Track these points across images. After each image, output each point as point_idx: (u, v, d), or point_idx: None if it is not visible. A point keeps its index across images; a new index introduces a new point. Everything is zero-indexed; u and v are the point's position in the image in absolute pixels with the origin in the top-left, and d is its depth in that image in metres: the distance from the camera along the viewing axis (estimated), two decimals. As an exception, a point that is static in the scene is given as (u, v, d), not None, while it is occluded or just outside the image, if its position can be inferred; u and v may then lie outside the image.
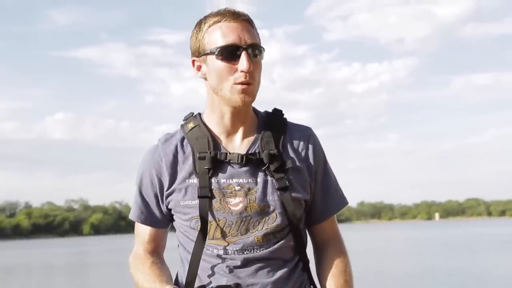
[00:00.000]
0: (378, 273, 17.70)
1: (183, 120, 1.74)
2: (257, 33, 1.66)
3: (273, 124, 1.70)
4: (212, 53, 1.60)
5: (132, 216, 1.75)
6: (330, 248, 1.73)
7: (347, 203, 1.77)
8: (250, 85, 1.59)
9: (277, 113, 1.73)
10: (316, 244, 1.77)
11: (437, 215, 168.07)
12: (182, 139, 1.69)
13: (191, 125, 1.70)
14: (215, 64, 1.61)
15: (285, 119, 1.73)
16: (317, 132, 1.77)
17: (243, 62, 1.57)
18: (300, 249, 1.68)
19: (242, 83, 1.58)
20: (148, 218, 1.73)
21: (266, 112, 1.75)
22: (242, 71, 1.58)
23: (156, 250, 1.76)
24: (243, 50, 1.58)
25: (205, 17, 1.65)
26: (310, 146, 1.70)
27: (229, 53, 1.58)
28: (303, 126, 1.75)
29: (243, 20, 1.61)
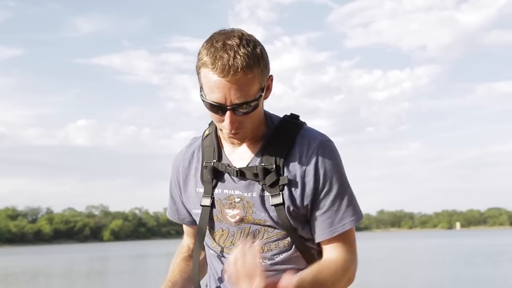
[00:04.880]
0: (397, 282, 17.56)
1: (208, 125, 1.75)
2: (258, 73, 1.50)
3: (282, 134, 1.63)
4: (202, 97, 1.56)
5: (167, 213, 1.87)
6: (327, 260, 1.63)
7: (347, 228, 1.61)
8: (238, 134, 1.57)
9: (291, 120, 1.66)
10: None
11: (458, 224, 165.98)
12: (199, 146, 1.73)
13: (207, 132, 1.72)
14: (206, 106, 1.56)
15: (299, 126, 1.64)
16: (338, 140, 1.71)
17: (226, 121, 1.52)
18: (306, 261, 1.64)
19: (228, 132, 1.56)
20: (177, 215, 1.83)
21: (280, 119, 1.67)
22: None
23: None
24: (228, 110, 1.51)
25: (203, 47, 1.53)
26: (314, 161, 1.59)
27: (215, 109, 1.53)
28: (314, 136, 1.63)
29: (234, 76, 1.47)
